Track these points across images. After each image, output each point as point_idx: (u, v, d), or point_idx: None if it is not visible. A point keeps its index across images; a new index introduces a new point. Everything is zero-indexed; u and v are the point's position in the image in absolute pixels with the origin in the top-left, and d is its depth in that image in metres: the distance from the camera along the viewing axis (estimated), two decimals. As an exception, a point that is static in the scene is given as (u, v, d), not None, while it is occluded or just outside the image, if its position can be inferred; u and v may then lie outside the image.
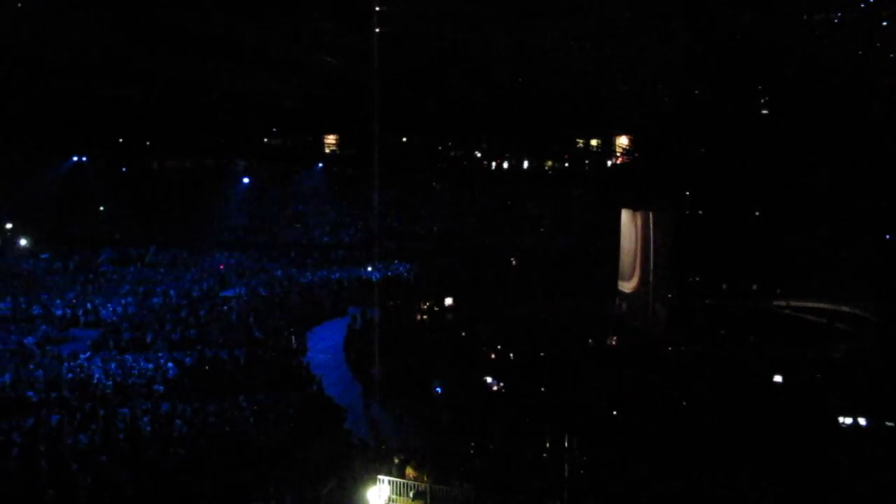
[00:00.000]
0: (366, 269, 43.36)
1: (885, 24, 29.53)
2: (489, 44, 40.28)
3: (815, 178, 33.45)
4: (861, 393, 22.62)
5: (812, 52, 34.50)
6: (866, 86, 30.98)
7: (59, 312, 33.45)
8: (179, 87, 46.78)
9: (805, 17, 34.02)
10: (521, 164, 53.14)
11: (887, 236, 28.27)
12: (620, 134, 49.26)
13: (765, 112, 36.89)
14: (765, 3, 33.67)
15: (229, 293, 37.89)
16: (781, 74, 35.69)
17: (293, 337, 30.58)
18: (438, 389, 24.20)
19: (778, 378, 24.47)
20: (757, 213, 35.16)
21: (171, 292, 37.52)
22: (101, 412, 21.82)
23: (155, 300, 36.05)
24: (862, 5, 31.95)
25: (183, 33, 38.31)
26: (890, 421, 20.56)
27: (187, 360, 26.74)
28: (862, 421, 20.86)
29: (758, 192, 34.86)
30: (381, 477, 17.14)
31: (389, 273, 43.05)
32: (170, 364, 26.18)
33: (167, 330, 30.60)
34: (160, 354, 27.61)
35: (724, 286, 34.52)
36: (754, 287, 34.27)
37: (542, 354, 27.96)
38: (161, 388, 24.31)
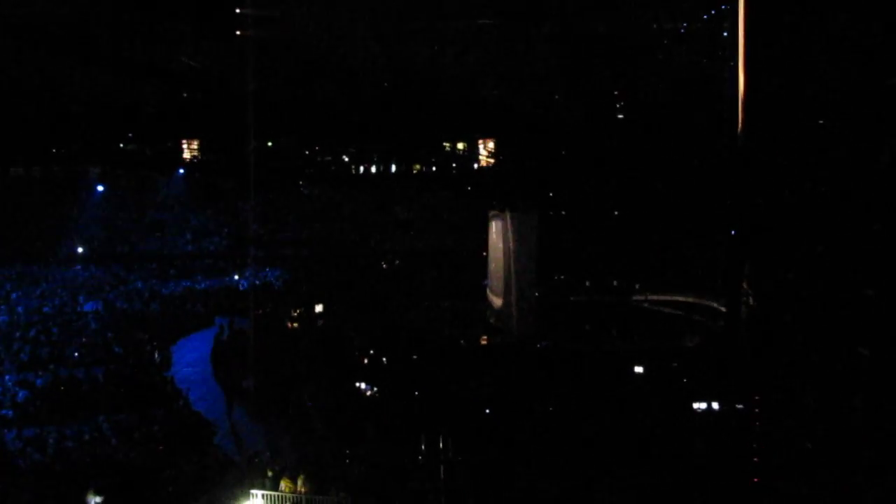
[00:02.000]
0: (233, 277, 42.21)
1: (724, 34, 31.77)
2: (356, 48, 40.23)
3: (668, 178, 35.48)
4: (713, 379, 24.09)
5: (662, 59, 36.71)
6: (710, 89, 33.14)
7: None
8: (26, 89, 43.88)
9: (655, 26, 36.16)
10: (390, 168, 53.33)
11: (732, 232, 30.41)
12: (486, 138, 50.36)
13: (620, 116, 38.81)
14: (619, 13, 35.47)
15: (86, 308, 35.94)
16: (635, 80, 37.71)
17: (156, 351, 29.39)
18: (311, 398, 23.90)
19: (639, 369, 25.68)
20: (616, 213, 36.90)
21: (20, 309, 35.12)
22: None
23: (0, 318, 33.61)
24: (704, 17, 34.30)
25: (30, 31, 36.12)
26: (739, 403, 22.02)
27: (38, 381, 25.07)
28: (715, 405, 22.25)
29: (616, 192, 36.61)
30: (254, 492, 16.70)
31: (258, 281, 42.06)
32: (18, 387, 24.44)
33: (15, 350, 28.57)
34: (7, 377, 25.66)
35: (588, 283, 35.97)
36: (615, 283, 35.85)
37: (414, 357, 28.10)
38: (9, 413, 22.71)
